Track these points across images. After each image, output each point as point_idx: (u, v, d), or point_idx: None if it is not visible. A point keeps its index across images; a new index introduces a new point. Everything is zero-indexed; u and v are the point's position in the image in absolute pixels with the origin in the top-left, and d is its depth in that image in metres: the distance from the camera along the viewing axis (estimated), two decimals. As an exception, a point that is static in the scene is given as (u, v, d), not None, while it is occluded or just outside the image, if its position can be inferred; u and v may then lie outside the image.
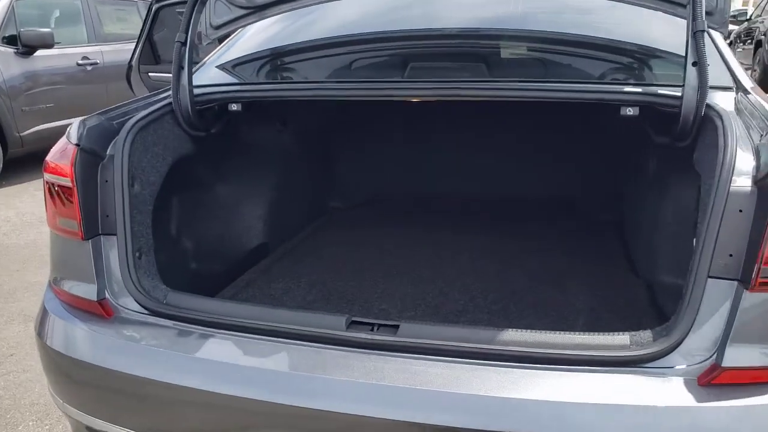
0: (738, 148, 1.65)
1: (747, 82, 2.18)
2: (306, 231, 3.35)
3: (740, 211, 1.58)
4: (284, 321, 1.83)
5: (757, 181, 1.58)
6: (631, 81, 2.27)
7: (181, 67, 2.27)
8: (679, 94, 1.93)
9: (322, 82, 2.40)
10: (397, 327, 1.78)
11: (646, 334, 1.67)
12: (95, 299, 2.00)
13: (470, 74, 2.54)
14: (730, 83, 2.17)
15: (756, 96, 2.04)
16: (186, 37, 2.27)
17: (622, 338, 1.67)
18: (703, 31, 1.85)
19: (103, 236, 2.04)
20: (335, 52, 2.84)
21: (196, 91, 2.33)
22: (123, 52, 7.54)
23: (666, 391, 1.56)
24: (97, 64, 7.80)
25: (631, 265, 2.80)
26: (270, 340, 1.80)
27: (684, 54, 1.91)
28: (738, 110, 1.99)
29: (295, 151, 3.22)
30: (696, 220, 2.30)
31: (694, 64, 1.88)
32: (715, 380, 1.54)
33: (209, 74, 2.62)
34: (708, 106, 1.89)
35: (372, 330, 1.80)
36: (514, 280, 2.68)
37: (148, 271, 2.07)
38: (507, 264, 2.86)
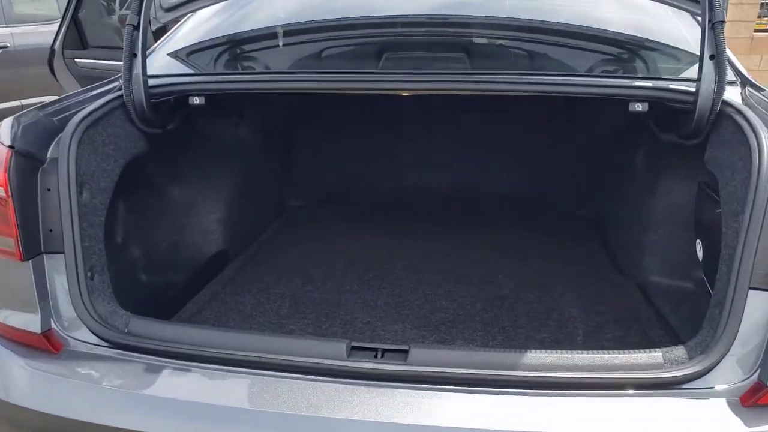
0: None
1: (749, 76, 2.09)
2: (266, 234, 3.07)
3: None
4: (273, 350, 1.58)
5: None
6: (640, 75, 2.13)
7: (134, 55, 1.96)
8: (693, 89, 1.81)
9: (295, 72, 2.14)
10: (405, 352, 1.57)
11: (679, 351, 1.53)
12: (39, 331, 1.69)
13: (450, 65, 2.35)
14: (733, 77, 2.07)
15: None
16: (138, 20, 1.95)
17: (655, 356, 1.53)
18: (723, 22, 1.73)
19: (46, 255, 1.72)
20: (302, 39, 2.57)
21: (151, 81, 2.02)
22: (38, 34, 6.89)
23: (711, 414, 1.43)
24: (6, 47, 7.08)
25: (614, 263, 2.69)
26: (258, 374, 1.55)
27: (700, 46, 1.78)
28: (749, 105, 1.88)
29: (252, 145, 2.93)
30: (695, 220, 2.21)
31: (711, 57, 1.76)
32: (761, 400, 1.42)
33: (160, 63, 2.30)
34: (723, 102, 1.78)
35: (377, 357, 1.58)
36: (498, 284, 2.52)
37: (102, 294, 1.77)
38: (488, 266, 2.70)
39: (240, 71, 2.39)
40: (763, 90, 1.93)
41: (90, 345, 1.68)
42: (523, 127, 3.24)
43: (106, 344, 1.66)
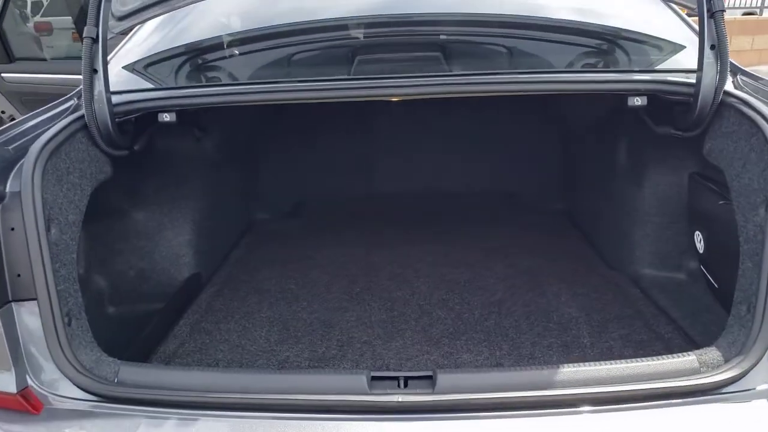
0: None
1: (738, 64, 2.08)
2: (238, 252, 2.89)
3: None
4: (289, 389, 1.45)
5: None
6: (636, 68, 2.09)
7: (95, 71, 1.77)
8: (692, 80, 1.78)
9: (268, 82, 1.98)
10: (430, 378, 1.47)
11: (713, 353, 1.49)
12: (14, 390, 1.49)
13: (427, 65, 2.25)
14: None
15: None
16: (97, 32, 1.76)
17: (690, 360, 1.48)
18: (723, 11, 1.70)
19: (15, 303, 1.52)
20: (267, 45, 2.41)
21: (115, 99, 1.83)
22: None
23: (755, 416, 1.39)
24: None
25: (602, 257, 2.66)
26: (277, 417, 1.41)
27: (699, 36, 1.75)
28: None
29: (216, 159, 2.75)
30: (690, 212, 2.19)
31: (712, 47, 1.72)
32: None
33: (117, 77, 2.09)
34: (724, 92, 1.75)
35: (399, 386, 1.47)
36: (490, 288, 2.45)
37: (83, 341, 1.58)
38: (475, 269, 2.62)
39: (209, 83, 2.21)
40: (761, 79, 1.91)
41: (76, 401, 1.49)
42: (495, 124, 3.19)
43: (94, 398, 1.48)
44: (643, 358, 1.48)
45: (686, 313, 2.08)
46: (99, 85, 1.78)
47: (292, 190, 3.33)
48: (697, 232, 2.09)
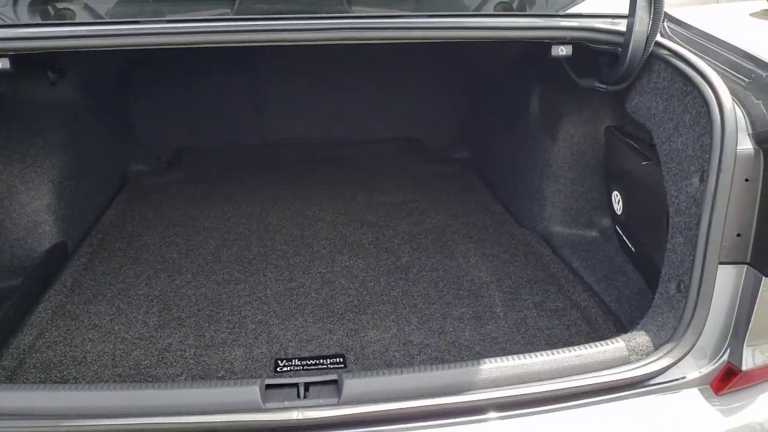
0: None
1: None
2: (111, 214, 2.52)
3: (746, 180, 1.32)
4: (163, 409, 1.21)
5: (760, 142, 1.31)
6: (561, 13, 1.88)
7: None
8: (622, 28, 1.61)
9: (132, 22, 1.62)
10: (335, 383, 1.27)
11: (641, 338, 1.38)
12: None
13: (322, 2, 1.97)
14: None
15: (695, 26, 1.75)
16: None
17: (619, 348, 1.35)
18: None
19: None
20: None
21: None
22: None
23: (686, 408, 1.31)
24: None
25: (510, 212, 2.53)
26: None
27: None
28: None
29: (78, 106, 2.35)
30: (607, 169, 2.08)
31: None
32: (734, 385, 1.32)
33: None
34: (655, 43, 1.60)
35: (299, 395, 1.26)
36: (396, 250, 2.27)
37: None
38: (378, 228, 2.43)
39: (58, 21, 1.80)
40: (692, 27, 1.74)
41: None
42: (394, 64, 2.94)
43: None
44: (570, 348, 1.34)
45: (600, 277, 2.00)
46: None
47: (171, 136, 2.96)
48: (615, 192, 1.98)
